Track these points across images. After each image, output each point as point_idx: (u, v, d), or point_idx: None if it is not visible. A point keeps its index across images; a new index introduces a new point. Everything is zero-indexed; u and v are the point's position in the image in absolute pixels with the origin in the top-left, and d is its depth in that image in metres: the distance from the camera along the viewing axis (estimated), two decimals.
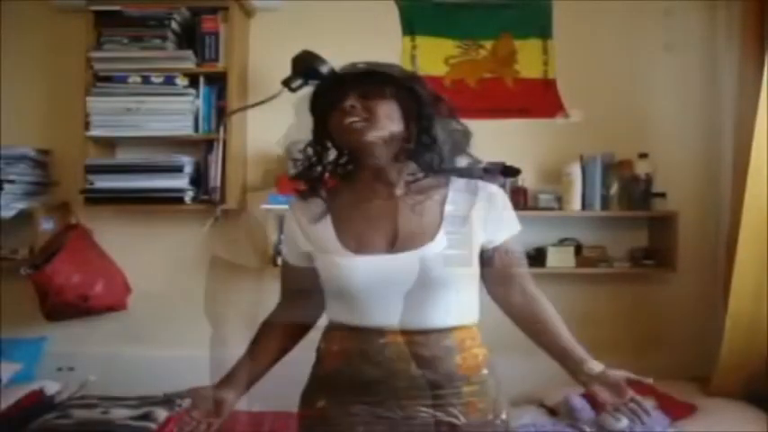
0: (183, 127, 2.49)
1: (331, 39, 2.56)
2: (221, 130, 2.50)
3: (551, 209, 2.56)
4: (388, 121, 1.26)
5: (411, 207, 1.29)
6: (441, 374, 1.26)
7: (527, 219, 2.57)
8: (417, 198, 1.29)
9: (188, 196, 2.48)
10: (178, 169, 2.48)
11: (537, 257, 2.59)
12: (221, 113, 2.52)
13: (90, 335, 2.63)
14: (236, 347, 1.40)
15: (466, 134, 1.39)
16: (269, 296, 1.47)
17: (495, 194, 1.36)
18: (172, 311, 2.59)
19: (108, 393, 2.45)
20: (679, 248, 2.51)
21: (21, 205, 2.51)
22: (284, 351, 1.39)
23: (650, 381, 1.31)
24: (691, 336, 2.62)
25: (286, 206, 1.43)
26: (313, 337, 1.38)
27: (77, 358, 2.60)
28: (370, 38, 2.62)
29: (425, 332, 1.27)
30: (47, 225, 2.55)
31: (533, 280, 1.44)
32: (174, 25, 2.49)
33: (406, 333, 1.26)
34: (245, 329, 1.44)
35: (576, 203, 2.53)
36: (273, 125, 2.57)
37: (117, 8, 2.47)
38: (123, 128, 2.48)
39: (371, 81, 1.27)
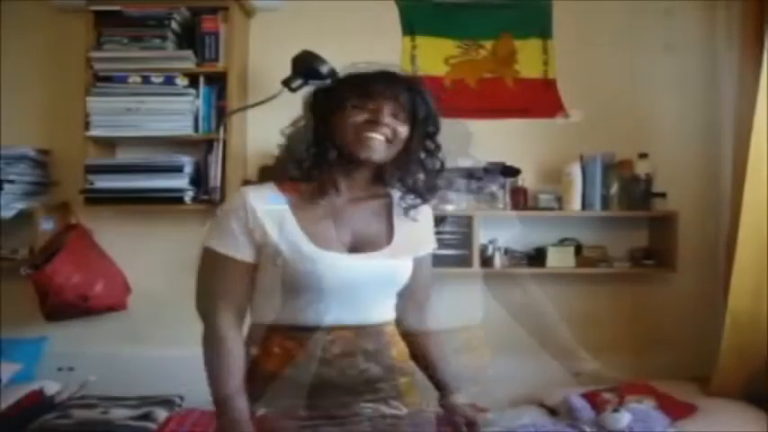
0: (183, 127, 2.49)
1: (331, 39, 2.56)
2: (221, 130, 2.49)
3: (551, 209, 2.56)
4: (398, 146, 1.29)
5: (367, 211, 1.32)
6: (382, 367, 1.29)
7: (527, 219, 2.61)
8: (371, 203, 1.34)
9: (188, 196, 2.48)
10: (178, 169, 2.48)
11: (537, 257, 2.59)
12: (221, 113, 2.52)
13: (90, 335, 2.63)
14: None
15: (442, 165, 1.39)
16: None
17: (426, 211, 1.41)
18: (172, 311, 2.57)
19: (108, 393, 2.45)
20: (679, 248, 2.52)
21: (21, 205, 2.50)
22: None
23: (488, 416, 1.46)
24: (691, 336, 2.62)
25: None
26: None
27: (77, 358, 2.60)
28: (370, 38, 2.62)
29: (368, 327, 1.28)
30: (47, 225, 2.55)
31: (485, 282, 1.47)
32: (174, 25, 2.49)
33: (351, 328, 1.26)
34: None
35: (576, 203, 2.53)
36: (273, 125, 2.58)
37: (117, 8, 2.47)
38: (123, 128, 2.48)
39: (405, 101, 1.27)
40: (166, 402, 2.41)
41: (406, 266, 1.34)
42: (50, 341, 2.61)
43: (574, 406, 2.17)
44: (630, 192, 2.56)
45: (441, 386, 1.43)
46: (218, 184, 2.49)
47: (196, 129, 2.51)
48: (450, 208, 2.49)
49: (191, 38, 2.53)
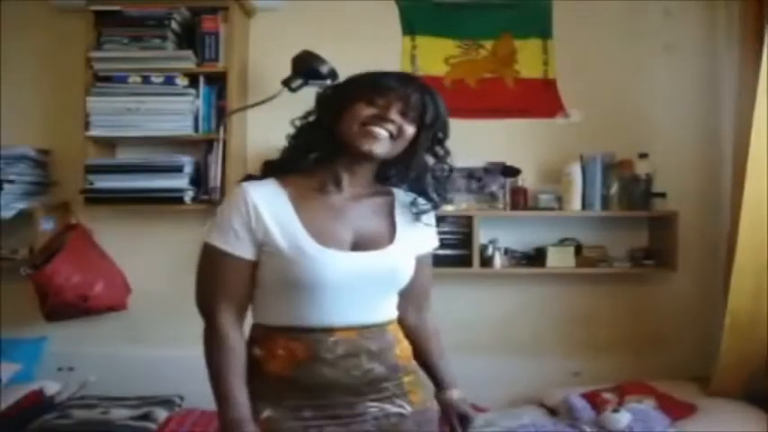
0: (183, 127, 2.49)
1: (331, 39, 2.56)
2: (221, 130, 2.49)
3: (551, 209, 2.56)
4: (403, 144, 1.29)
5: (368, 208, 1.33)
6: (386, 366, 1.29)
7: (527, 219, 2.61)
8: (373, 201, 1.34)
9: (188, 196, 2.48)
10: (178, 169, 2.48)
11: (537, 257, 2.59)
12: (221, 113, 2.51)
13: (90, 335, 2.63)
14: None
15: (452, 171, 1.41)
16: None
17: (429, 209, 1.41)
18: (172, 311, 2.58)
19: (108, 393, 2.46)
20: (679, 248, 2.51)
21: (21, 205, 2.50)
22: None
23: (475, 414, 1.45)
24: (691, 336, 2.62)
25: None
26: None
27: (77, 358, 2.60)
28: (370, 38, 2.63)
29: (371, 327, 1.28)
30: (47, 225, 2.55)
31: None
32: (174, 25, 2.49)
33: (354, 328, 1.26)
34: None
35: (576, 203, 2.53)
36: (273, 125, 2.59)
37: (117, 8, 2.47)
38: (123, 128, 2.48)
39: (415, 102, 1.28)
40: (166, 402, 2.41)
41: (409, 265, 1.34)
42: (50, 341, 2.60)
43: (574, 406, 2.17)
44: (630, 192, 2.56)
45: (436, 382, 1.45)
46: (218, 184, 2.49)
47: (196, 129, 2.51)
48: (450, 208, 2.49)
49: (191, 38, 2.53)
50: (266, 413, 1.24)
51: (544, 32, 2.69)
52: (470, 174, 2.56)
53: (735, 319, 2.26)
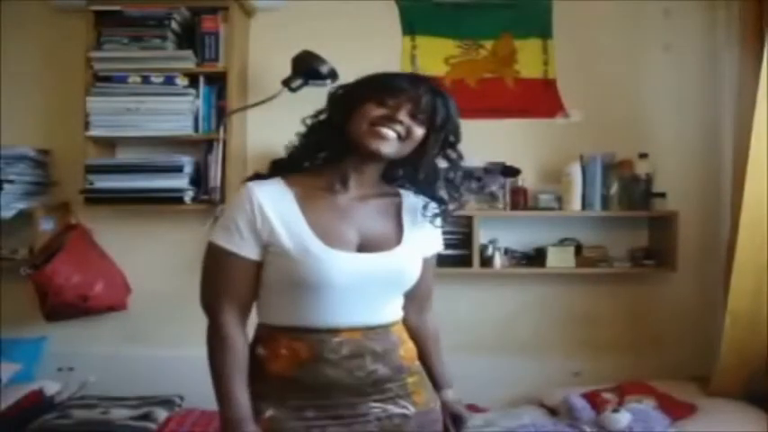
0: (183, 127, 2.49)
1: (331, 39, 2.56)
2: (221, 130, 2.49)
3: (551, 209, 2.56)
4: (411, 146, 1.29)
5: (375, 209, 1.32)
6: (390, 367, 1.28)
7: (527, 219, 2.61)
8: (380, 202, 1.34)
9: (188, 196, 2.48)
10: (178, 169, 2.48)
11: (537, 257, 2.59)
12: (221, 113, 2.51)
13: (90, 335, 2.63)
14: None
15: (464, 176, 1.42)
16: None
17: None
18: (172, 311, 2.59)
19: (108, 393, 2.46)
20: (679, 248, 2.52)
21: (21, 205, 2.50)
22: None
23: (469, 415, 1.45)
24: (691, 336, 2.62)
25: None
26: None
27: (77, 358, 2.60)
28: (370, 38, 2.63)
29: (376, 328, 1.28)
30: (47, 225, 2.55)
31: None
32: (174, 25, 2.49)
33: (358, 329, 1.26)
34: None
35: (576, 203, 2.53)
36: (273, 125, 2.59)
37: (117, 8, 2.47)
38: (123, 128, 2.48)
39: (426, 104, 1.27)
40: (166, 402, 2.41)
41: (416, 267, 1.34)
42: (50, 341, 2.60)
43: (574, 406, 2.17)
44: (630, 192, 2.56)
45: (432, 382, 1.44)
46: (218, 184, 2.50)
47: (196, 129, 2.51)
48: (450, 208, 2.48)
49: (191, 38, 2.53)
50: (269, 413, 1.24)
51: (544, 32, 2.69)
52: (470, 174, 2.56)
53: (735, 319, 2.26)
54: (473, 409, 2.35)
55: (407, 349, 1.34)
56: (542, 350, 2.64)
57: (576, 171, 2.53)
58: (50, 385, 2.45)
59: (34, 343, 2.57)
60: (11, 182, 2.47)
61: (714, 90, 2.64)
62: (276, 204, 1.25)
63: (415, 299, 1.39)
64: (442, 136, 1.32)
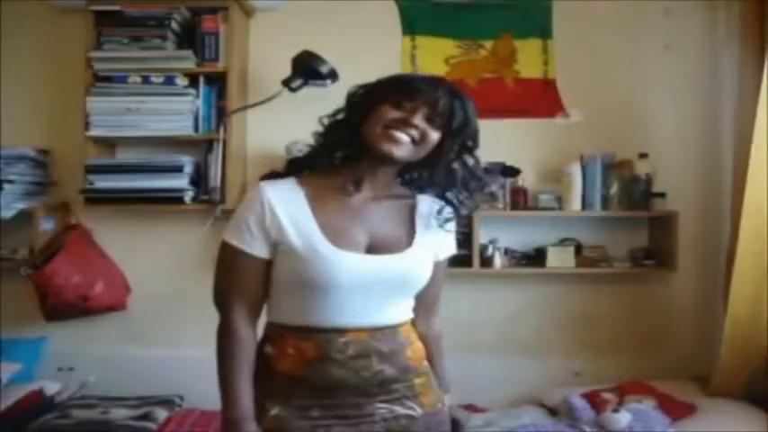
0: (183, 127, 2.49)
1: (331, 39, 2.56)
2: (221, 130, 2.49)
3: (551, 209, 2.56)
4: (426, 149, 1.28)
5: (387, 211, 1.32)
6: (397, 368, 1.28)
7: (527, 219, 2.61)
8: (392, 204, 1.33)
9: (188, 196, 2.48)
10: (178, 169, 2.48)
11: (537, 257, 2.59)
12: (221, 113, 2.51)
13: (90, 335, 2.63)
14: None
15: (481, 182, 1.40)
16: None
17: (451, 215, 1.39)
18: (172, 311, 2.59)
19: (108, 393, 2.46)
20: (679, 248, 2.51)
21: (21, 205, 2.50)
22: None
23: (468, 418, 1.46)
24: (691, 336, 2.63)
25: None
26: None
27: (77, 358, 2.60)
28: (370, 38, 2.63)
29: (383, 328, 1.28)
30: (47, 225, 2.55)
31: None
32: (174, 25, 2.49)
33: (365, 330, 1.26)
34: None
35: (576, 203, 2.53)
36: (273, 125, 2.60)
37: (117, 8, 2.47)
38: (123, 128, 2.48)
39: (443, 108, 1.26)
40: (166, 402, 2.41)
41: (426, 270, 1.33)
42: (50, 341, 2.60)
43: (574, 406, 2.17)
44: (630, 192, 2.56)
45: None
46: (218, 184, 2.49)
47: (196, 129, 2.51)
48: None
49: (191, 38, 2.53)
50: (274, 411, 1.24)
51: (544, 32, 2.69)
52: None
53: (735, 319, 2.26)
54: (473, 409, 2.35)
55: (415, 350, 1.34)
56: (542, 350, 2.64)
57: (575, 171, 2.53)
58: (50, 385, 2.45)
59: (34, 343, 2.58)
60: (11, 182, 2.47)
61: (714, 90, 2.64)
62: (286, 204, 1.25)
63: (423, 302, 1.39)
64: (460, 140, 1.31)
